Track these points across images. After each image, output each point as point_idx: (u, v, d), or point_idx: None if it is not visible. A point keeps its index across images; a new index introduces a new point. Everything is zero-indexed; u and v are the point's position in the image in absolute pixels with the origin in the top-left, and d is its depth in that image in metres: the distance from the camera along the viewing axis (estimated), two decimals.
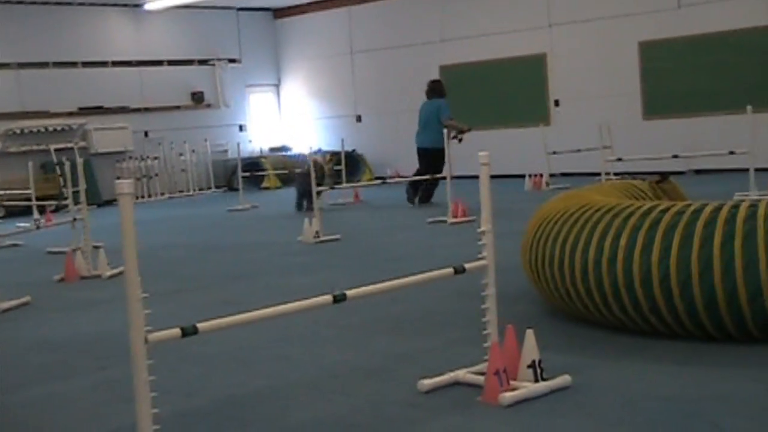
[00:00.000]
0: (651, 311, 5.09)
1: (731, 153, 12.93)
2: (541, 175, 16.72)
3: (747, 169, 12.45)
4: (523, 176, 17.02)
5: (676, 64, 17.91)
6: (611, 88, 18.54)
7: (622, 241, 5.17)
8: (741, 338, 5.00)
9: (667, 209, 5.21)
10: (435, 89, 14.71)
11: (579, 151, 16.79)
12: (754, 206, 5.03)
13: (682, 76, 17.78)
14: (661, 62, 18.08)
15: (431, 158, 14.04)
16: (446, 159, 12.75)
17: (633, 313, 5.18)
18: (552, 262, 5.61)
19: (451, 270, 4.45)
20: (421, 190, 14.42)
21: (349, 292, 4.09)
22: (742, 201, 5.16)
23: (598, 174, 13.90)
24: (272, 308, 3.89)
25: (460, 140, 13.89)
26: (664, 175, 7.12)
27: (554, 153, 16.92)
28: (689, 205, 5.23)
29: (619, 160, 13.73)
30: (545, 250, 5.70)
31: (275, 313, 3.89)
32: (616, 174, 14.62)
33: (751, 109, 12.75)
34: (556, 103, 19.44)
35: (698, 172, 17.10)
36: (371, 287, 4.23)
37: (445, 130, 13.25)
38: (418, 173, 14.34)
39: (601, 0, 18.68)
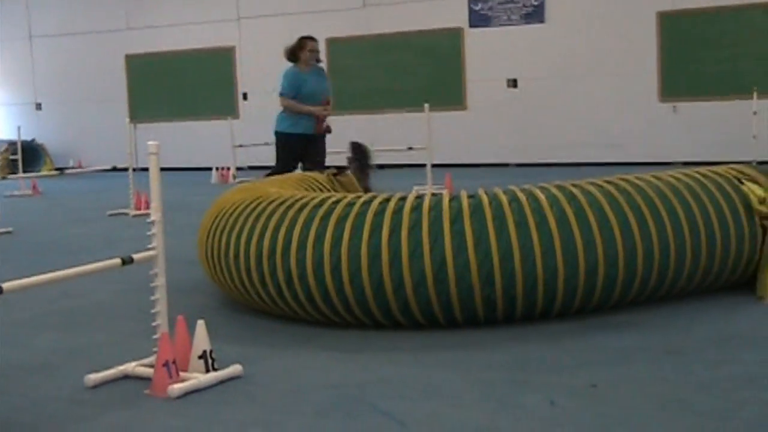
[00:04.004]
0: (323, 300, 5.19)
1: (410, 149, 13.48)
2: (229, 169, 16.70)
3: (425, 165, 13.02)
4: (211, 169, 16.93)
5: (361, 62, 18.47)
6: None
7: (295, 232, 5.23)
8: (407, 325, 5.20)
9: (338, 201, 5.33)
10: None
11: (266, 144, 16.88)
12: (419, 198, 5.25)
13: (366, 73, 18.37)
14: (347, 59, 18.56)
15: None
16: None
17: (306, 303, 5.26)
18: (227, 254, 5.59)
19: (118, 261, 4.32)
20: None
21: (6, 285, 3.86)
22: (410, 193, 5.37)
23: None
24: None
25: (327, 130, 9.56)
26: (341, 168, 7.30)
27: (241, 146, 16.93)
28: (360, 196, 5.38)
29: None
30: (221, 242, 5.67)
31: None
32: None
33: (428, 107, 13.36)
34: (245, 96, 19.49)
35: (381, 167, 17.67)
36: (29, 279, 4.01)
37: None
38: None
39: None
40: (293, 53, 9.34)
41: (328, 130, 9.39)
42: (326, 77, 9.65)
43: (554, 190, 5.33)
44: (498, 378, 4.33)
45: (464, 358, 4.69)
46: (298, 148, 9.18)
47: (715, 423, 3.63)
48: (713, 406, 3.82)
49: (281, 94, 9.26)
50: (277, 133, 9.26)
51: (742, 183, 5.83)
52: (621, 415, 3.77)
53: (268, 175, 8.71)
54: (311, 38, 9.51)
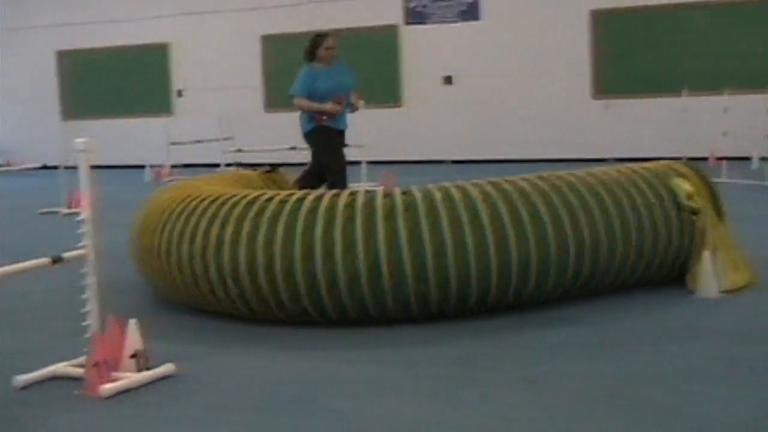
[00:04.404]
0: (256, 298, 5.17)
1: (345, 146, 13.44)
2: (163, 166, 16.55)
3: (360, 162, 13.03)
4: (145, 167, 16.76)
5: (296, 59, 18.37)
6: (234, 80, 18.72)
7: (228, 230, 5.20)
8: (341, 322, 5.20)
9: (271, 198, 5.31)
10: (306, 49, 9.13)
11: (200, 141, 16.79)
12: (353, 195, 5.25)
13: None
14: (282, 56, 18.49)
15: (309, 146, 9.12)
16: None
17: (238, 301, 5.24)
18: (159, 252, 5.54)
19: (48, 260, 4.26)
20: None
21: None
22: (344, 190, 5.36)
23: (219, 165, 14.00)
24: None
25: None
26: (273, 166, 7.27)
27: (175, 144, 16.79)
28: (293, 194, 5.36)
29: (239, 151, 13.89)
30: (153, 240, 5.62)
31: None
32: (238, 165, 14.78)
33: (364, 104, 13.33)
34: (179, 93, 19.33)
35: None
36: None
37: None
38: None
39: None
40: (310, 52, 8.92)
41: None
42: (350, 72, 9.15)
43: (487, 187, 5.36)
44: (437, 373, 4.35)
45: (403, 355, 4.70)
46: (336, 139, 8.85)
47: (647, 416, 3.68)
48: (645, 398, 3.87)
49: (292, 95, 8.82)
50: (307, 134, 8.84)
51: (671, 179, 5.92)
52: (556, 408, 3.81)
53: (327, 181, 8.49)
54: (326, 34, 9.08)
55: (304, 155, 16.71)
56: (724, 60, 15.83)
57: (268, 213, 5.18)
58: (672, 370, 4.24)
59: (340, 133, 8.92)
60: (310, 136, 8.82)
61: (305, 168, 8.83)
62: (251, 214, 5.22)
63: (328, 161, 8.71)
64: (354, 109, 9.09)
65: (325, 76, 8.80)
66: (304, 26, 18.19)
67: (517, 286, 5.21)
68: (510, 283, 5.18)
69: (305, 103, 8.70)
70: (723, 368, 4.26)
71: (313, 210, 5.13)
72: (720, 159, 13.46)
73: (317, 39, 8.95)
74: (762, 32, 15.80)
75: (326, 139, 8.73)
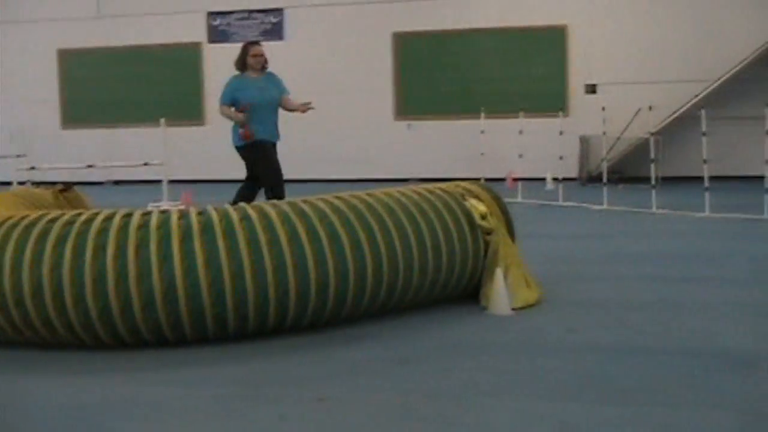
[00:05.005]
0: (44, 325, 4.93)
1: (146, 164, 13.20)
2: None
3: (161, 180, 12.79)
4: None
5: (96, 74, 17.94)
6: (29, 94, 18.07)
7: (8, 255, 4.93)
8: (136, 345, 5.04)
9: (55, 219, 5.06)
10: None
11: None
12: (147, 215, 5.10)
13: (102, 85, 17.87)
14: (80, 71, 17.99)
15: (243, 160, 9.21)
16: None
17: (24, 328, 4.98)
18: None
19: None
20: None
21: None
22: (136, 210, 5.20)
23: (12, 183, 13.46)
24: None
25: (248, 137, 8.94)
26: (67, 184, 7.02)
27: None
28: (80, 214, 5.15)
29: (33, 168, 13.39)
30: None
31: None
32: (34, 183, 14.22)
33: (165, 121, 13.12)
34: None
35: (117, 182, 17.26)
36: None
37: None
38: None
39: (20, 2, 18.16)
40: (241, 62, 9.02)
41: (249, 136, 8.95)
42: (278, 82, 9.31)
43: (285, 207, 5.33)
44: (228, 393, 4.28)
45: (194, 375, 4.60)
46: (269, 150, 9.04)
47: (437, 429, 3.74)
48: (437, 412, 3.92)
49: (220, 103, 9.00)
50: (239, 148, 8.98)
51: (465, 199, 6.06)
52: (347, 425, 3.81)
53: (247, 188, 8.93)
54: (253, 43, 9.23)
55: (103, 173, 16.33)
56: (519, 83, 16.44)
57: (53, 235, 4.94)
58: (463, 385, 4.32)
59: (272, 146, 9.10)
60: (243, 150, 8.94)
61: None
62: (34, 236, 4.95)
63: (263, 173, 8.88)
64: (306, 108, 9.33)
65: (251, 86, 8.91)
66: (103, 41, 17.78)
67: (315, 306, 5.20)
68: (308, 303, 5.16)
69: (225, 111, 8.98)
70: (511, 382, 4.37)
71: (104, 231, 4.95)
72: (516, 180, 13.94)
73: (245, 48, 9.10)
74: (553, 57, 16.50)
75: (259, 151, 8.87)
